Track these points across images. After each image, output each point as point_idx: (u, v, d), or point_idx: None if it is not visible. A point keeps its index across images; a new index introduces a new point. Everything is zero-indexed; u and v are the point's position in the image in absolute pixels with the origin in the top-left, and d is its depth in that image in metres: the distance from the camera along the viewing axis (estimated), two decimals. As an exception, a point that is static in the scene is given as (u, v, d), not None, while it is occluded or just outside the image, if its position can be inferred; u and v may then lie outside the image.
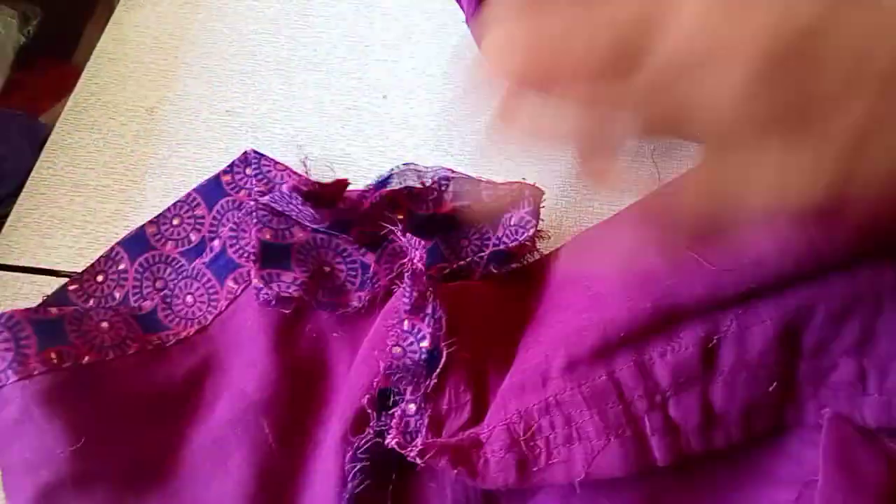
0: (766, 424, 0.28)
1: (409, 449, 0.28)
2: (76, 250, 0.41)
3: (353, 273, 0.36)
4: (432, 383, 0.30)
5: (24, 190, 0.43)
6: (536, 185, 0.35)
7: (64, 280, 0.39)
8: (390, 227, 0.34)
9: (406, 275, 0.32)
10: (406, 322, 0.32)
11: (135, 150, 0.43)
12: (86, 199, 0.42)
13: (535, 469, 0.27)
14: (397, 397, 0.31)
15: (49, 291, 0.39)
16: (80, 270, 0.40)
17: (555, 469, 0.27)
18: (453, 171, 0.36)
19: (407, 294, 0.31)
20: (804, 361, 0.28)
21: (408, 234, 0.34)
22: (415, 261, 0.33)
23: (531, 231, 0.34)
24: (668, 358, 0.27)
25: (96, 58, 0.47)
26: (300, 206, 0.33)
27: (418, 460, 0.27)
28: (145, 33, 0.48)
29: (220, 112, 0.44)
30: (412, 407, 0.30)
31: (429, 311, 0.31)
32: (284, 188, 0.33)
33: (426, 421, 0.29)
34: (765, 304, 0.27)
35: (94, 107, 0.45)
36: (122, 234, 0.41)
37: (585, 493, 0.28)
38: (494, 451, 0.27)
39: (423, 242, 0.34)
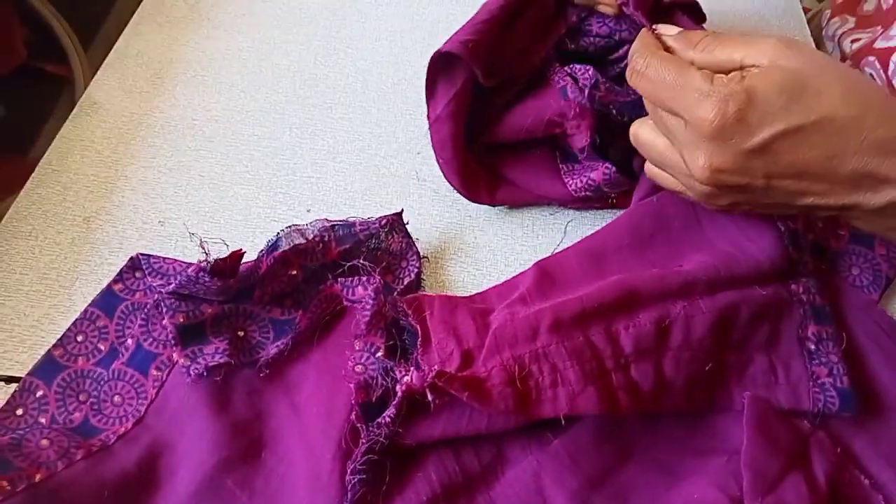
0: (703, 400, 0.36)
1: (426, 383, 0.32)
2: (0, 353, 0.42)
3: (266, 330, 0.40)
4: (417, 354, 0.36)
5: (-45, 294, 0.45)
6: (396, 211, 0.44)
7: (-14, 384, 0.41)
8: (332, 276, 0.41)
9: (366, 295, 0.38)
10: (357, 342, 0.37)
11: (69, 258, 0.46)
12: (16, 304, 0.44)
13: (528, 402, 0.33)
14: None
15: (-29, 395, 0.40)
16: (2, 373, 0.41)
17: (544, 405, 0.33)
18: (328, 220, 0.41)
19: (367, 312, 0.37)
20: (730, 354, 0.36)
21: (345, 279, 0.40)
22: (369, 287, 0.38)
23: (414, 249, 0.43)
24: (630, 331, 0.35)
25: (41, 169, 0.50)
26: (207, 283, 0.36)
27: (430, 396, 0.32)
28: (90, 147, 0.51)
29: (153, 223, 0.48)
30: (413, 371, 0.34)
31: (381, 325, 0.36)
32: (190, 271, 0.36)
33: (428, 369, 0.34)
34: (704, 300, 0.36)
35: (35, 216, 0.48)
36: (48, 338, 0.43)
37: (556, 463, 0.35)
38: (495, 385, 0.33)
39: (367, 277, 0.39)
